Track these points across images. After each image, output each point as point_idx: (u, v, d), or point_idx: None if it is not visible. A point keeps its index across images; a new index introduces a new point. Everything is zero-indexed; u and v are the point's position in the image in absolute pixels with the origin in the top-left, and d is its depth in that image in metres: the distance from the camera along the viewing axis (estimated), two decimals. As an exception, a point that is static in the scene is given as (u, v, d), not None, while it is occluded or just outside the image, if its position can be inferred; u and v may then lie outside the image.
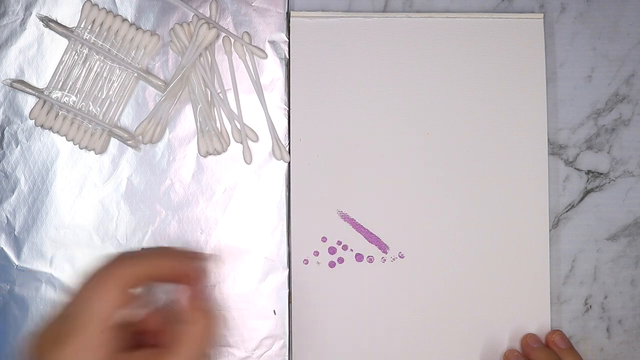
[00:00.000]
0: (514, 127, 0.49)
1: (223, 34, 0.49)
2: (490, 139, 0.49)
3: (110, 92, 0.49)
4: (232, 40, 0.49)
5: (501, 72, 0.49)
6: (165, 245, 0.49)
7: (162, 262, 0.35)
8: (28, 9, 0.49)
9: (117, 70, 0.49)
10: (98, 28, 0.49)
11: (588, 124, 0.51)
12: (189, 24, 0.49)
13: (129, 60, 0.49)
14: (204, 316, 0.35)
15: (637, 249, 0.50)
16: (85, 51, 0.48)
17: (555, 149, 0.50)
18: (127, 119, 0.49)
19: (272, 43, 0.50)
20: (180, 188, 0.49)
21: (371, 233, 0.49)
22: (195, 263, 0.36)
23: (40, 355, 0.32)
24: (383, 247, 0.49)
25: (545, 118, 0.49)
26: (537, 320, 0.48)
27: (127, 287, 0.33)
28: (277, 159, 0.49)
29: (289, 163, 0.49)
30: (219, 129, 0.49)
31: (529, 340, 0.48)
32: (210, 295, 0.38)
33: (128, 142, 0.48)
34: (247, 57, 0.49)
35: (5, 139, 0.49)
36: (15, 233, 0.49)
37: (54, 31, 0.49)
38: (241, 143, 0.49)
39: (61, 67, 0.48)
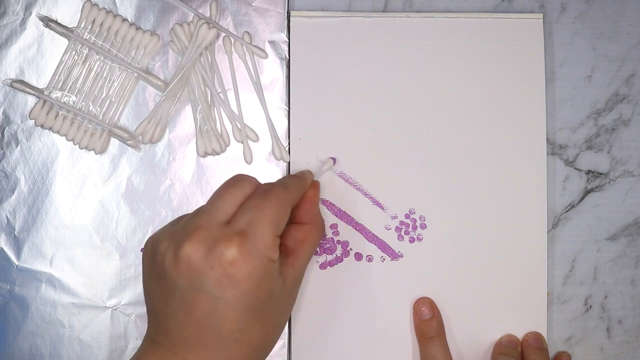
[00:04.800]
0: (513, 127, 0.49)
1: (223, 34, 0.49)
2: (489, 138, 0.49)
3: (110, 92, 0.49)
4: (232, 40, 0.49)
5: (501, 72, 0.49)
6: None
7: (300, 190, 0.43)
8: (28, 9, 0.49)
9: (117, 70, 0.49)
10: (98, 28, 0.49)
11: (588, 124, 0.51)
12: (189, 24, 0.49)
13: (129, 60, 0.49)
14: (320, 220, 0.43)
15: (637, 249, 0.50)
16: (85, 51, 0.48)
17: (555, 149, 0.50)
18: (127, 119, 0.49)
19: (272, 43, 0.50)
20: (180, 188, 0.49)
21: (370, 232, 0.49)
22: (310, 179, 0.45)
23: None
24: (382, 247, 0.49)
25: (545, 118, 0.49)
26: (534, 321, 0.48)
27: (288, 208, 0.39)
28: (277, 159, 0.49)
29: (289, 163, 0.49)
30: (219, 130, 0.49)
31: (528, 339, 0.48)
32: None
33: (128, 142, 0.48)
34: (247, 57, 0.49)
35: (5, 139, 0.49)
36: (15, 233, 0.49)
37: (54, 31, 0.49)
38: (242, 143, 0.49)
39: (61, 67, 0.48)
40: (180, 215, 0.41)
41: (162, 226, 0.48)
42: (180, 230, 0.37)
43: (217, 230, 0.36)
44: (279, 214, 0.38)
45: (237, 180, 0.39)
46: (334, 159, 0.48)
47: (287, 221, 0.39)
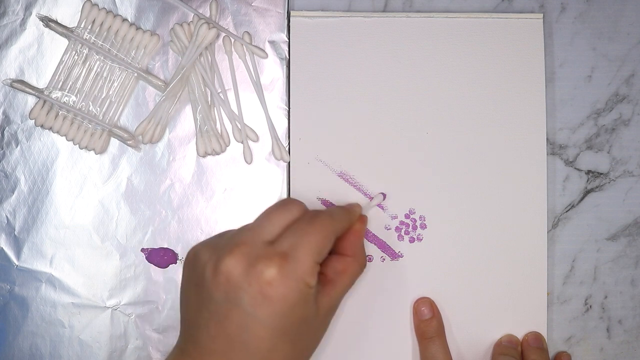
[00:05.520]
0: (513, 127, 0.49)
1: (223, 34, 0.49)
2: (489, 138, 0.49)
3: (110, 92, 0.49)
4: (232, 40, 0.49)
5: (501, 72, 0.49)
6: (166, 245, 0.49)
7: (347, 222, 0.42)
8: (28, 9, 0.49)
9: (117, 70, 0.49)
10: (98, 28, 0.49)
11: (588, 124, 0.51)
12: (189, 24, 0.49)
13: (129, 60, 0.49)
14: (362, 254, 0.43)
15: (637, 249, 0.50)
16: (85, 51, 0.48)
17: (555, 149, 0.50)
18: (127, 119, 0.49)
19: (272, 43, 0.50)
20: (180, 188, 0.49)
21: (370, 232, 0.49)
22: (358, 212, 0.44)
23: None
24: (382, 247, 0.49)
25: (545, 118, 0.49)
26: (534, 321, 0.48)
27: (333, 237, 0.40)
28: (277, 159, 0.49)
29: (289, 163, 0.49)
30: (219, 130, 0.49)
31: (528, 339, 0.48)
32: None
33: (128, 142, 0.48)
34: (247, 57, 0.49)
35: (5, 139, 0.49)
36: (15, 233, 0.49)
37: (54, 31, 0.49)
38: (242, 143, 0.49)
39: (61, 67, 0.48)
40: (226, 230, 0.41)
41: (163, 226, 0.49)
42: (223, 243, 0.37)
43: (259, 249, 0.37)
44: (322, 242, 0.38)
45: (286, 204, 0.40)
46: (384, 195, 0.48)
47: (329, 250, 0.39)
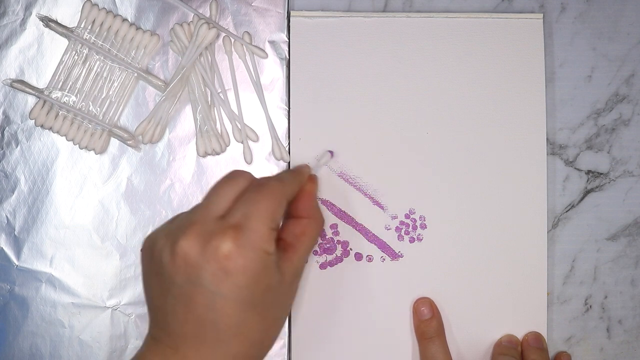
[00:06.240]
0: (513, 127, 0.49)
1: (223, 34, 0.49)
2: (489, 138, 0.49)
3: (110, 92, 0.49)
4: (232, 40, 0.49)
5: (501, 72, 0.49)
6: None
7: (297, 184, 0.42)
8: (28, 9, 0.49)
9: (117, 70, 0.49)
10: (98, 28, 0.49)
11: (588, 124, 0.51)
12: (189, 24, 0.49)
13: (129, 60, 0.49)
14: (318, 214, 0.43)
15: (637, 249, 0.50)
16: (85, 51, 0.48)
17: (555, 149, 0.50)
18: (127, 119, 0.49)
19: (272, 43, 0.50)
20: (180, 188, 0.49)
21: (370, 232, 0.49)
22: (307, 173, 0.44)
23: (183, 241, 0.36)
24: (382, 247, 0.49)
25: (545, 118, 0.49)
26: (534, 321, 0.48)
27: (284, 201, 0.39)
28: (277, 159, 0.49)
29: (289, 163, 0.49)
30: (219, 130, 0.49)
31: (528, 339, 0.48)
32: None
33: (128, 142, 0.48)
34: (247, 57, 0.49)
35: (5, 139, 0.49)
36: (15, 233, 0.49)
37: (54, 31, 0.49)
38: (242, 143, 0.49)
39: (61, 67, 0.48)
40: (178, 213, 0.41)
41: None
42: (176, 227, 0.37)
43: (212, 225, 0.36)
44: (273, 207, 0.37)
45: (232, 176, 0.39)
46: (331, 152, 0.48)
47: (283, 214, 0.39)
